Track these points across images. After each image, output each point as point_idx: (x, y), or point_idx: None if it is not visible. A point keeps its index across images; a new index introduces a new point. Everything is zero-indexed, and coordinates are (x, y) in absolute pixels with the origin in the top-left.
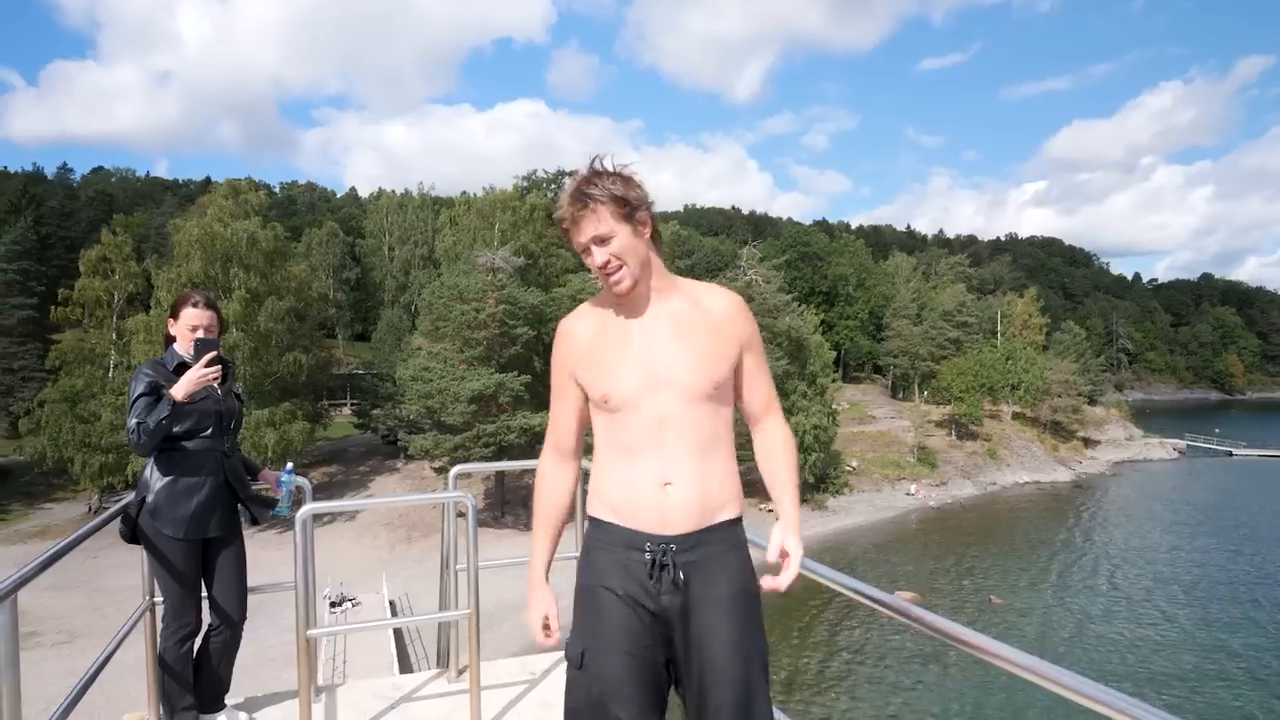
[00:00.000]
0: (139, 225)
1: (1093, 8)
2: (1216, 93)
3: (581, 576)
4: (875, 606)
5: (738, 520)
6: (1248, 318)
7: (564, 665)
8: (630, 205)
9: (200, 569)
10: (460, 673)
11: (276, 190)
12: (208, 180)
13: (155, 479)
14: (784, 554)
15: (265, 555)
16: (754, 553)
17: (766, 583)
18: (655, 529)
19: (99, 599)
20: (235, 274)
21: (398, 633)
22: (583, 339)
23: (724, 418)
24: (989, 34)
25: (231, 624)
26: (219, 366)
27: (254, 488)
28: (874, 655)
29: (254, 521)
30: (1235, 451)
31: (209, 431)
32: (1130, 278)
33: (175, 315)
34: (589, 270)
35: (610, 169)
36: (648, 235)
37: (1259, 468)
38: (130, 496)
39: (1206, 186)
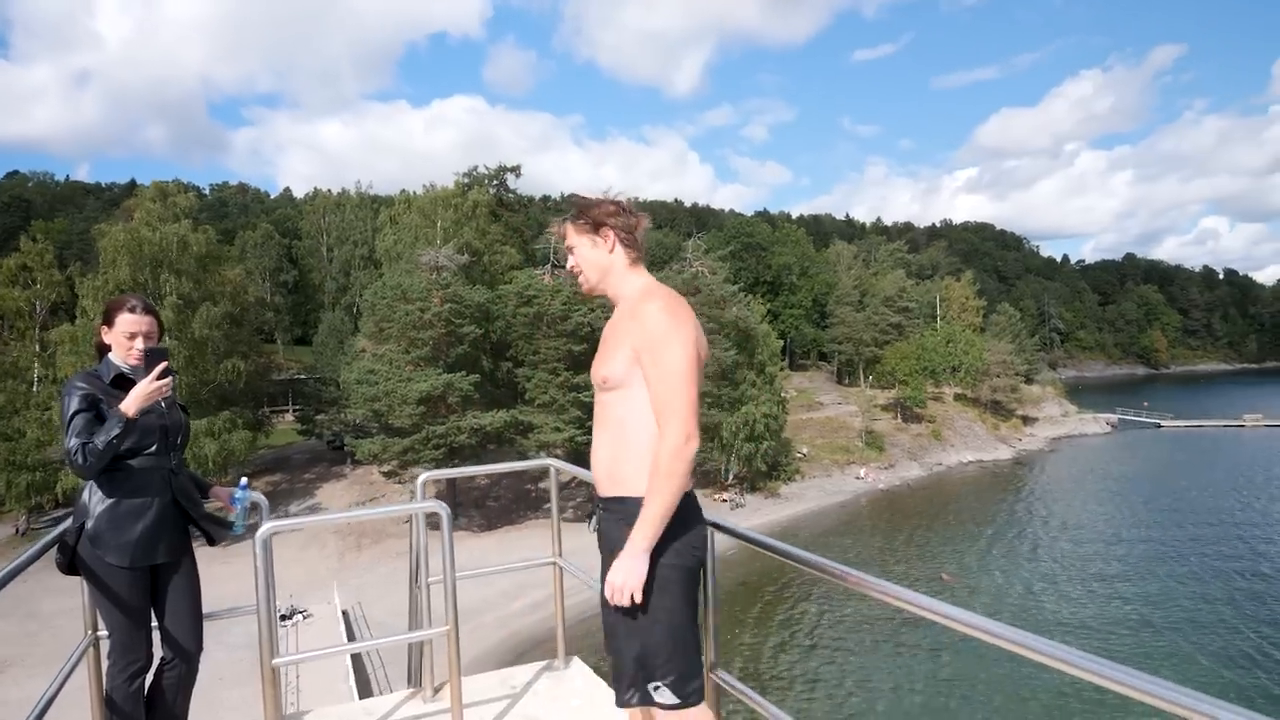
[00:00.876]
0: (60, 231)
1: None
2: (1134, 80)
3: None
4: (835, 580)
5: (628, 500)
6: (1169, 295)
7: (545, 675)
8: (590, 222)
9: (149, 598)
10: (437, 691)
11: (207, 192)
12: (133, 183)
13: (95, 502)
14: (613, 590)
15: (208, 571)
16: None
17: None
18: (598, 489)
19: (32, 625)
20: (166, 280)
21: (356, 658)
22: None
23: (625, 409)
24: (919, 25)
25: (187, 656)
26: (169, 378)
27: (206, 506)
28: (830, 627)
29: (210, 542)
30: (1163, 423)
31: (154, 448)
32: (1059, 260)
33: (109, 322)
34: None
35: (599, 198)
36: (610, 249)
37: (1186, 437)
38: (67, 523)
39: (1126, 170)
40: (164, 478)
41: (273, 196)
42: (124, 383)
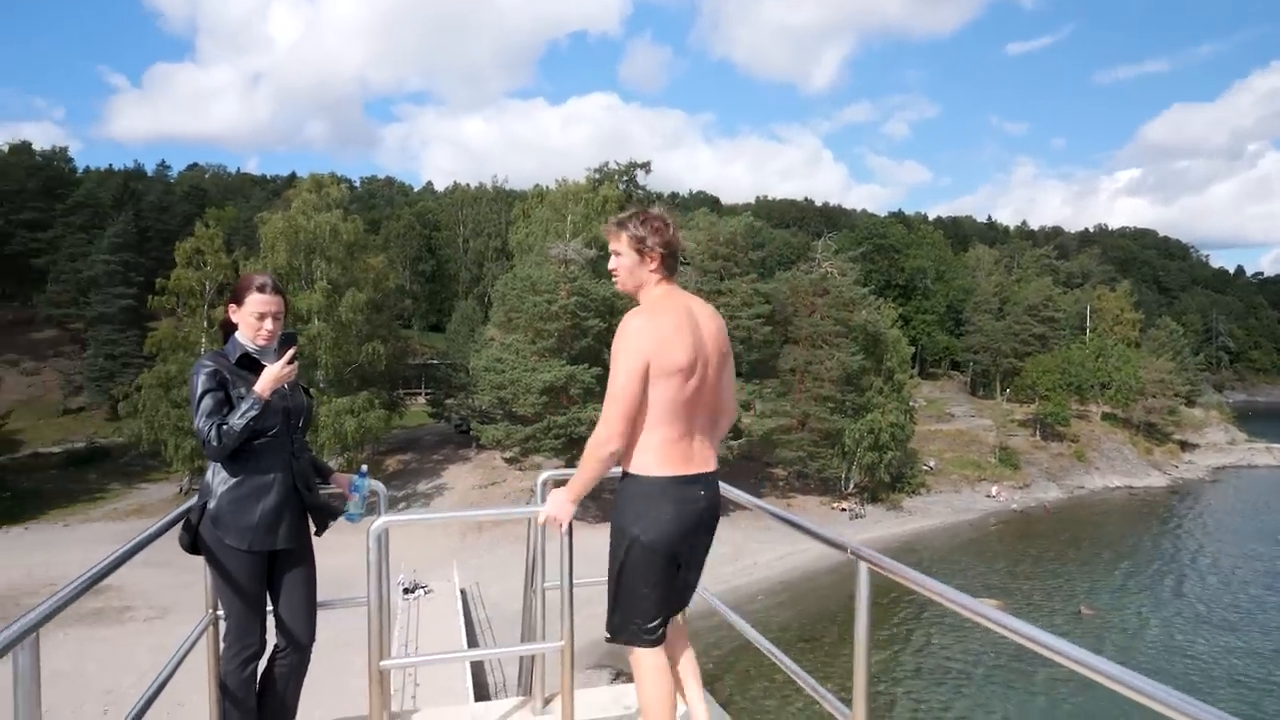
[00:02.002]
0: (230, 219)
1: None
2: None
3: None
4: (957, 609)
5: (628, 476)
6: None
7: None
8: (641, 243)
9: (266, 584)
10: (547, 702)
11: (357, 185)
12: (293, 175)
13: (218, 483)
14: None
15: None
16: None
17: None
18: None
19: (187, 575)
20: (317, 265)
21: (470, 635)
22: None
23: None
24: (1083, 14)
25: (299, 646)
26: (296, 362)
27: (324, 492)
28: (953, 661)
29: (317, 531)
30: None
31: (276, 430)
32: (1232, 271)
33: (239, 301)
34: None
35: (650, 215)
36: (651, 266)
37: None
38: (192, 500)
39: None
40: (285, 461)
41: (416, 189)
42: (250, 363)
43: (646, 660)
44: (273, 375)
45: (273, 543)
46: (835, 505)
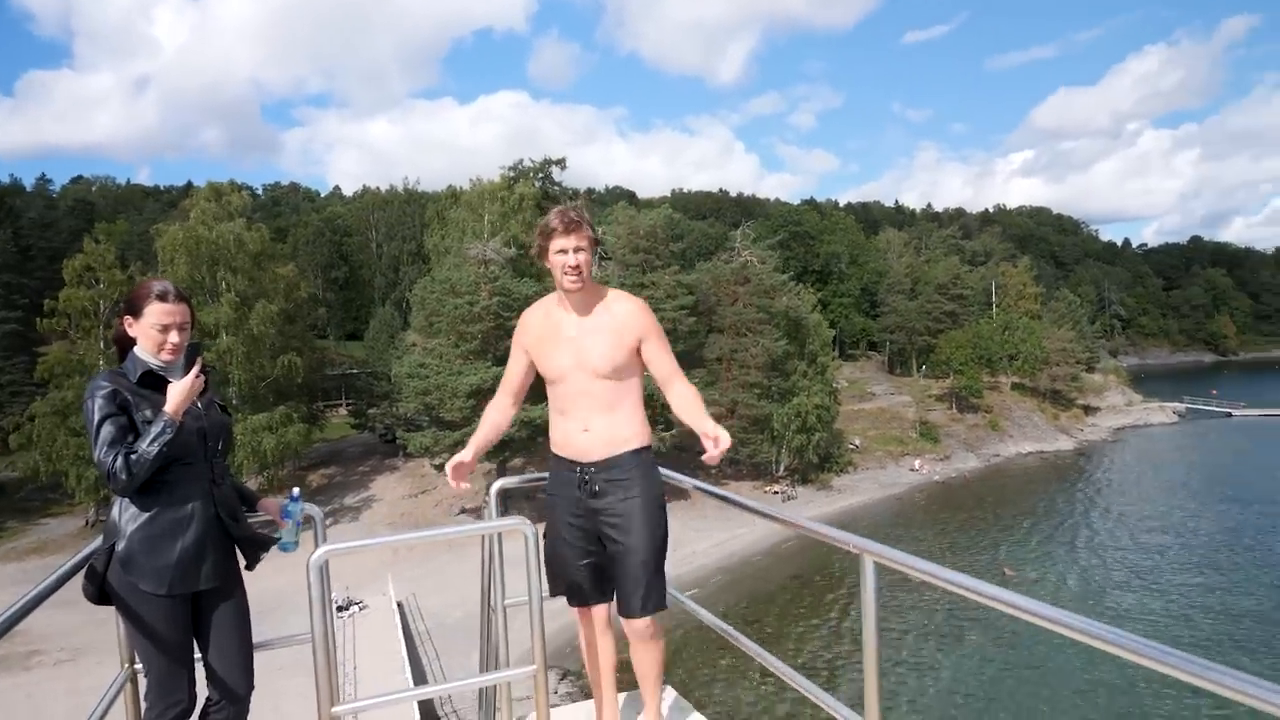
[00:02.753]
0: (122, 233)
1: None
2: (1202, 54)
3: (546, 489)
4: (979, 599)
5: (643, 449)
6: (1238, 279)
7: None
8: (596, 240)
9: (191, 631)
10: None
11: (260, 192)
12: (189, 185)
13: (128, 520)
14: (715, 437)
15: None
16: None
17: (707, 458)
18: (579, 458)
19: (100, 613)
20: (223, 277)
21: (411, 650)
22: (534, 329)
23: (626, 386)
24: (974, 3)
25: (235, 698)
26: (206, 374)
27: (251, 521)
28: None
29: (247, 565)
30: (1234, 412)
31: (192, 456)
32: (1120, 244)
33: (135, 312)
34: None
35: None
36: (592, 263)
37: (1259, 426)
38: (95, 543)
39: (1192, 149)
40: (205, 489)
41: (323, 195)
42: (154, 381)
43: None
44: (183, 391)
45: (195, 583)
46: (767, 489)
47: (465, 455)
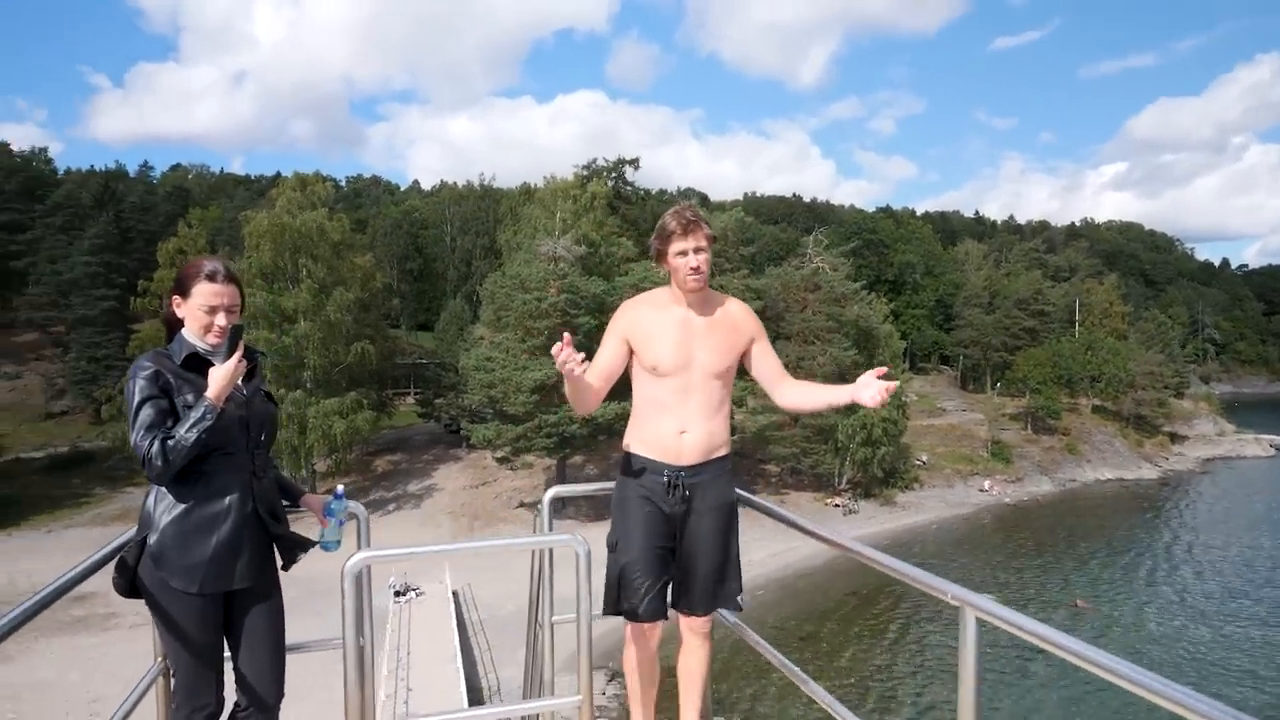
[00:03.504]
0: (214, 219)
1: None
2: None
3: (617, 492)
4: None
5: (727, 457)
6: None
7: None
8: (713, 238)
9: (222, 631)
10: None
11: (343, 184)
12: (278, 175)
13: (161, 511)
14: (868, 384)
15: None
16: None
17: (877, 387)
18: (672, 460)
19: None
20: (304, 264)
21: (464, 639)
22: (645, 318)
23: (727, 391)
24: (1068, 9)
25: (264, 706)
26: (244, 360)
27: (292, 517)
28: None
29: (284, 565)
30: None
31: (232, 446)
32: (1218, 264)
33: (183, 291)
34: (651, 262)
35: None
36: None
37: None
38: (127, 533)
39: None
40: (244, 482)
41: (402, 188)
42: (198, 364)
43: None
44: (225, 374)
45: (229, 582)
46: (828, 501)
47: (578, 359)
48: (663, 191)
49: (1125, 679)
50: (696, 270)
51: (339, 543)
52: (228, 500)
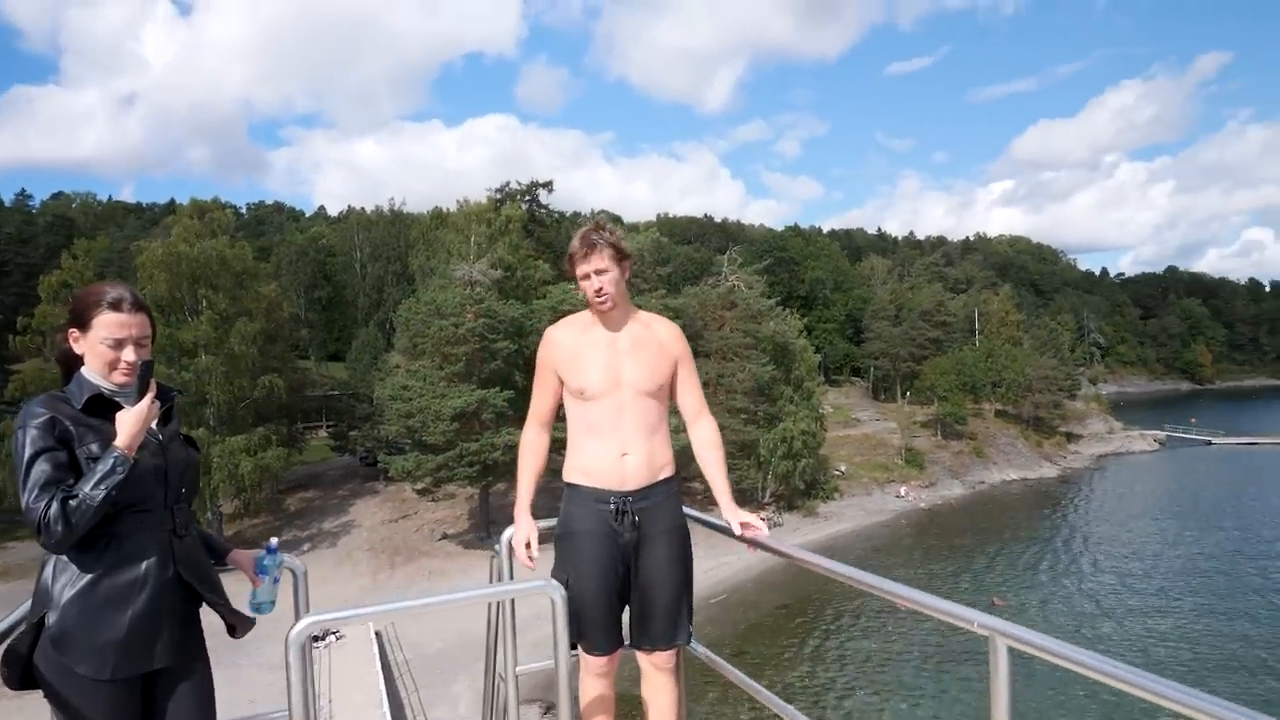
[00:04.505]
0: (102, 249)
1: (1056, 9)
2: (1177, 89)
3: (561, 527)
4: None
5: (673, 478)
6: (1213, 308)
7: None
8: (623, 255)
9: None
10: None
11: (244, 211)
12: (173, 203)
13: (62, 586)
14: (747, 524)
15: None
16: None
17: (751, 535)
18: (616, 486)
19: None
20: (204, 294)
21: (389, 683)
22: (566, 344)
23: (663, 410)
24: (955, 37)
25: None
26: (158, 400)
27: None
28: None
29: (232, 632)
30: (1214, 440)
31: (148, 502)
32: (1098, 273)
33: (81, 323)
34: (570, 284)
35: (610, 228)
36: (627, 277)
37: (1238, 454)
38: (14, 614)
39: (1167, 182)
40: (163, 544)
41: (307, 215)
42: (103, 407)
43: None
44: (137, 418)
45: (148, 662)
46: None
47: (526, 527)
48: (577, 214)
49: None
50: (599, 292)
51: (273, 603)
52: (144, 566)
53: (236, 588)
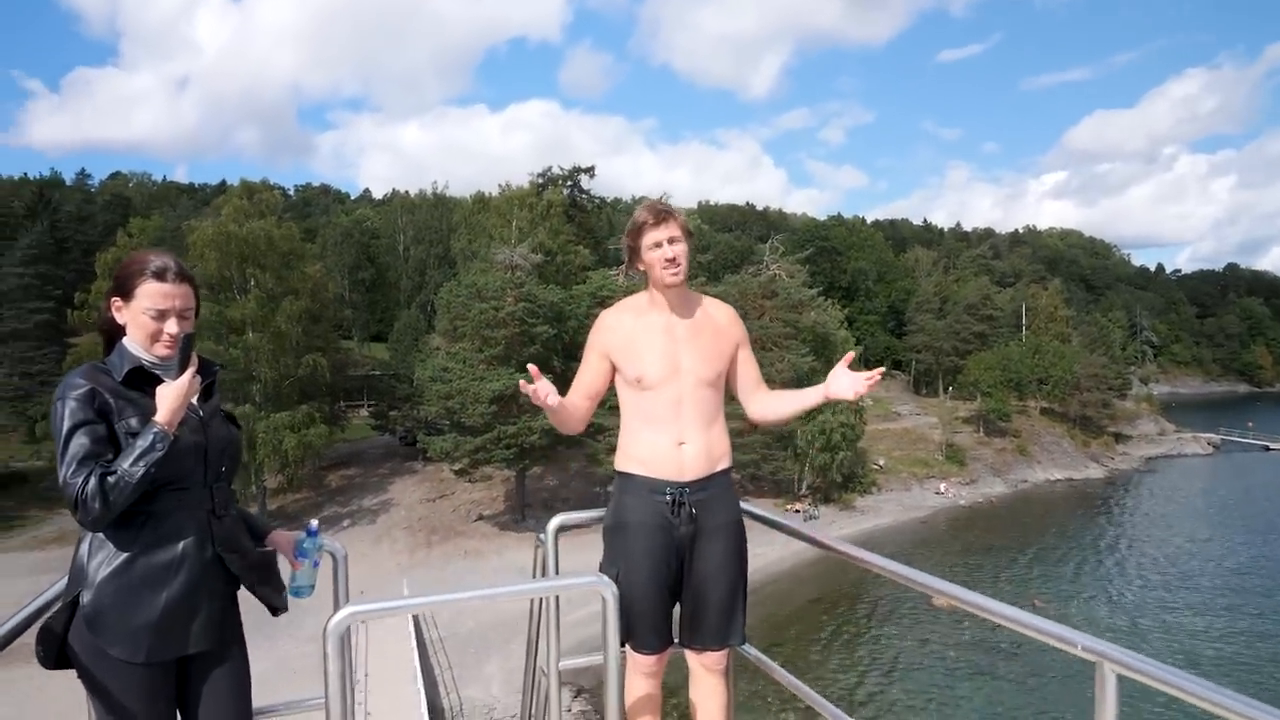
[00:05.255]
0: (155, 228)
1: None
2: (1243, 79)
3: (612, 518)
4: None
5: (730, 469)
6: (1275, 308)
7: None
8: (690, 234)
9: (174, 706)
10: None
11: (291, 193)
12: (224, 184)
13: (98, 564)
14: (839, 376)
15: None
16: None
17: (850, 378)
18: (673, 477)
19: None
20: (251, 273)
21: (424, 659)
22: (622, 330)
23: (720, 398)
24: (1009, 24)
25: None
26: (199, 375)
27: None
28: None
29: (273, 612)
30: (1272, 445)
31: (187, 480)
32: (1153, 269)
33: (124, 292)
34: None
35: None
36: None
37: None
38: (50, 591)
39: (1230, 175)
40: (201, 524)
41: (353, 197)
42: (144, 380)
43: None
44: (178, 394)
45: (182, 647)
46: (789, 507)
47: (550, 390)
48: (618, 200)
49: None
50: (673, 261)
51: (313, 587)
52: (181, 546)
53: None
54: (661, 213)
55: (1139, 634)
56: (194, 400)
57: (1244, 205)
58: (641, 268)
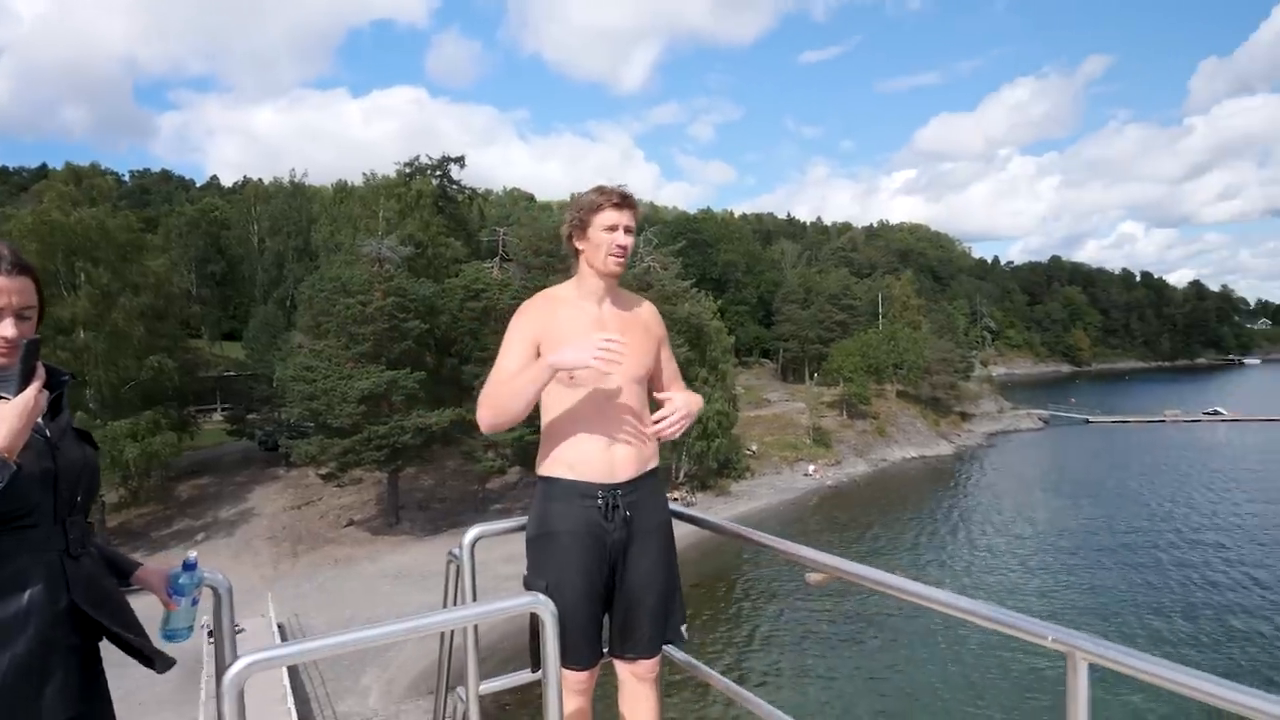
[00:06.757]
0: None
1: (959, 7)
2: (1066, 88)
3: (537, 526)
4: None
5: (658, 469)
6: (1091, 296)
7: None
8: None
9: None
10: None
11: (126, 179)
12: (44, 167)
13: None
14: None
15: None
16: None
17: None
18: (604, 479)
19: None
20: (82, 268)
21: (294, 678)
22: (556, 318)
23: (646, 394)
24: (866, 28)
25: None
26: (45, 386)
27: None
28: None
29: (151, 667)
30: (1091, 419)
31: (33, 515)
32: (990, 261)
33: None
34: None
35: None
36: None
37: (1113, 432)
38: None
39: (1054, 176)
40: (52, 567)
41: (199, 185)
42: None
43: None
44: (21, 412)
45: (34, 717)
46: (668, 496)
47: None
48: (489, 191)
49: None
50: (623, 250)
51: (191, 629)
52: (27, 597)
53: (149, 612)
54: (626, 198)
55: (971, 590)
56: (40, 418)
57: (1066, 203)
58: (580, 246)
